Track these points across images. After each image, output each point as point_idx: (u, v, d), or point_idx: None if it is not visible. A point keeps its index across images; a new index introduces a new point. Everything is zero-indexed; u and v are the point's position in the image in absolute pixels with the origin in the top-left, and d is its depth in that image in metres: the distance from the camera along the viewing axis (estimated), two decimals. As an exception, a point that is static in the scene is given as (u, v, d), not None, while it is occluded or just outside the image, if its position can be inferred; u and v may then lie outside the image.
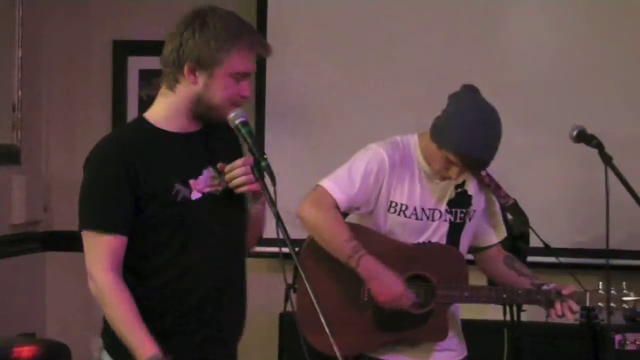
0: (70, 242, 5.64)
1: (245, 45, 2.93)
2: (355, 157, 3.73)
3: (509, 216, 4.01)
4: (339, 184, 3.66)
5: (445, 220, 3.73)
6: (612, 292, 3.72)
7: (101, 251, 2.94)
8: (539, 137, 5.08)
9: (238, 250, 3.11)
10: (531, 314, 4.30)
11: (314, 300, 2.63)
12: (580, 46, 5.11)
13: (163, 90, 3.03)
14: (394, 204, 3.69)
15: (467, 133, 3.54)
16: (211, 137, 3.01)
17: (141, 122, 3.04)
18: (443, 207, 3.73)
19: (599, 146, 3.83)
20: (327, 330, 2.57)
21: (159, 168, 2.93)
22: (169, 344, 2.93)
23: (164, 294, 2.97)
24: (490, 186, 3.82)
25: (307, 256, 3.70)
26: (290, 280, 3.62)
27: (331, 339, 2.59)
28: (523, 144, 5.07)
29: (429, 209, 3.71)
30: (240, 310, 3.15)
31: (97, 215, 2.94)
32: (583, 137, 3.86)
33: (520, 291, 3.73)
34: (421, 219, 3.70)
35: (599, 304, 3.75)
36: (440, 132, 3.62)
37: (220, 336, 3.06)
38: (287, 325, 4.93)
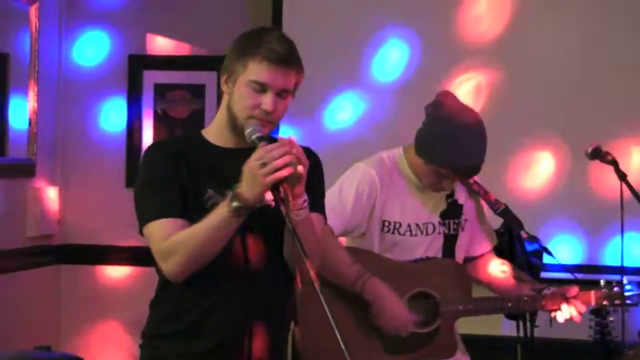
0: (84, 256, 5.67)
1: (260, 54, 2.90)
2: (344, 178, 3.67)
3: (523, 234, 4.00)
4: (331, 209, 3.45)
5: (440, 233, 3.69)
6: (615, 289, 3.70)
7: (161, 233, 2.89)
8: (554, 152, 5.07)
9: (278, 266, 3.01)
10: (544, 330, 4.29)
11: (331, 318, 2.57)
12: (598, 59, 5.09)
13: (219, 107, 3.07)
14: (387, 223, 3.64)
15: (454, 144, 3.50)
16: None
17: (195, 134, 3.10)
18: (436, 219, 3.68)
19: (614, 163, 3.83)
20: (344, 349, 2.53)
21: (197, 172, 2.95)
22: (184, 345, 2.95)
23: (185, 296, 2.97)
24: (480, 193, 3.78)
25: (306, 281, 3.62)
26: None
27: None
28: (536, 158, 5.07)
29: (423, 223, 3.66)
30: (280, 339, 3.09)
31: (153, 205, 2.93)
32: (598, 154, 3.87)
33: (525, 298, 3.69)
34: (415, 235, 3.66)
35: (604, 302, 3.72)
36: (425, 148, 3.58)
37: None
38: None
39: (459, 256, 3.76)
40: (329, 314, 2.58)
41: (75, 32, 5.69)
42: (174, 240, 2.86)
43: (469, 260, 3.87)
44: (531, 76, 5.10)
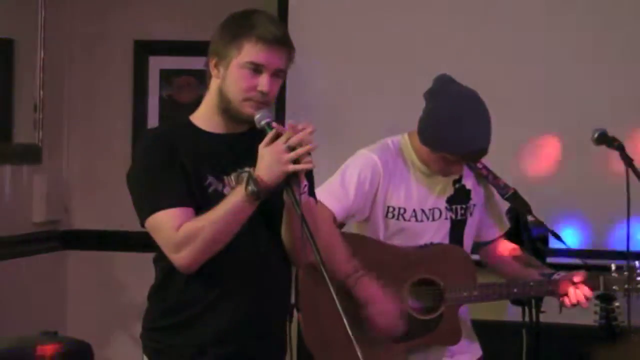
0: (90, 241, 5.69)
1: (255, 35, 2.88)
2: (347, 164, 3.65)
3: (530, 219, 3.99)
4: (334, 195, 3.57)
5: (447, 219, 3.65)
6: (625, 273, 3.69)
7: (172, 223, 2.85)
8: (560, 138, 5.06)
9: (279, 255, 3.01)
10: (550, 315, 4.29)
11: (337, 303, 2.57)
12: (602, 47, 5.08)
13: (205, 94, 3.04)
14: (391, 209, 3.61)
15: (458, 129, 3.47)
16: (254, 141, 2.87)
17: (185, 121, 3.05)
18: (443, 205, 3.65)
19: (620, 148, 3.82)
20: (353, 340, 2.52)
21: (195, 160, 2.92)
22: (187, 334, 2.94)
23: (190, 287, 2.96)
24: (488, 177, 3.75)
25: (310, 271, 3.61)
26: (292, 300, 3.60)
27: (358, 351, 2.53)
28: (543, 144, 5.07)
29: (429, 209, 3.63)
30: (281, 329, 3.10)
31: (159, 195, 2.88)
32: (604, 139, 3.86)
33: (531, 283, 3.66)
34: (421, 221, 3.63)
35: (614, 287, 3.70)
36: (430, 136, 3.55)
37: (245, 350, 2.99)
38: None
39: (468, 242, 3.73)
40: (336, 300, 2.57)
41: (82, 18, 5.69)
42: (189, 229, 2.82)
43: (480, 245, 3.86)
44: (536, 63, 5.10)
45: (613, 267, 3.71)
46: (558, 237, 3.95)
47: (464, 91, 3.56)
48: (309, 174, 2.99)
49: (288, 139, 2.76)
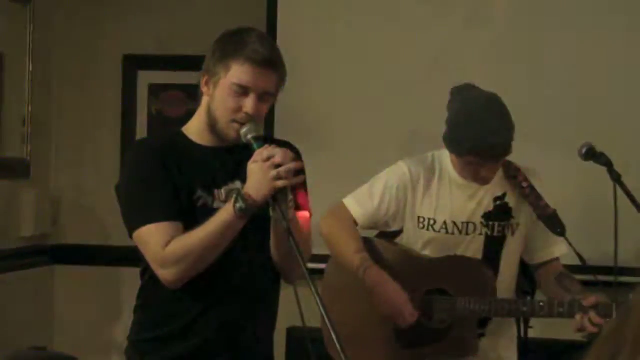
0: (79, 256, 5.67)
1: (244, 56, 2.87)
2: (380, 174, 3.71)
3: None
4: (358, 200, 3.66)
5: (481, 234, 3.63)
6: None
7: (160, 238, 2.85)
8: (548, 153, 5.06)
9: (267, 270, 3.02)
10: (539, 330, 4.29)
11: (325, 317, 2.58)
12: (591, 61, 5.09)
13: (199, 107, 3.04)
14: (421, 219, 3.63)
15: (470, 127, 3.47)
16: (245, 155, 2.87)
17: (177, 132, 3.05)
18: (478, 219, 3.63)
19: (608, 164, 3.82)
20: (337, 346, 2.52)
21: (185, 172, 2.92)
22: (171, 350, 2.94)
23: (177, 300, 2.95)
24: (530, 197, 3.68)
25: (331, 272, 3.69)
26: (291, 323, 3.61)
27: (341, 355, 2.54)
28: (530, 160, 5.06)
29: (462, 223, 3.62)
30: (266, 344, 3.12)
31: (148, 208, 2.88)
32: (592, 154, 3.86)
33: (542, 304, 3.60)
34: (452, 233, 3.62)
35: None
36: (450, 141, 3.56)
37: None
38: (295, 340, 4.93)
39: (508, 260, 3.68)
40: (322, 310, 2.58)
41: (71, 32, 5.68)
42: (179, 247, 2.82)
43: (536, 268, 3.79)
44: (522, 78, 5.11)
45: (631, 296, 3.65)
46: (584, 262, 3.85)
47: (479, 92, 3.58)
48: (303, 187, 3.00)
49: (273, 155, 2.76)
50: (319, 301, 2.58)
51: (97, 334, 5.59)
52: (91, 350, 5.48)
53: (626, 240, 3.80)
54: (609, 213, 3.70)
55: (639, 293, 1.67)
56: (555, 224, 3.74)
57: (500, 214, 3.66)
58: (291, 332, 4.95)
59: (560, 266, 3.81)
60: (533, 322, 3.98)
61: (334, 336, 2.53)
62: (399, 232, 3.76)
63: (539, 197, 3.71)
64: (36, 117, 5.44)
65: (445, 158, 3.68)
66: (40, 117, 5.51)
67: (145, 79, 5.63)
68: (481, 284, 3.65)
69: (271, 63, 2.90)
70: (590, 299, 3.53)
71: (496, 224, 3.65)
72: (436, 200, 3.63)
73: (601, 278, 3.85)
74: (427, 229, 3.63)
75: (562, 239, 3.74)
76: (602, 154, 3.84)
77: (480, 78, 4.81)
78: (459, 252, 3.64)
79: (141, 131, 5.58)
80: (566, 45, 5.11)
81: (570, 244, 3.79)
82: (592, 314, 3.51)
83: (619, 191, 3.75)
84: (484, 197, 3.65)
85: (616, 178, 3.77)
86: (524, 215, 3.70)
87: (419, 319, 3.62)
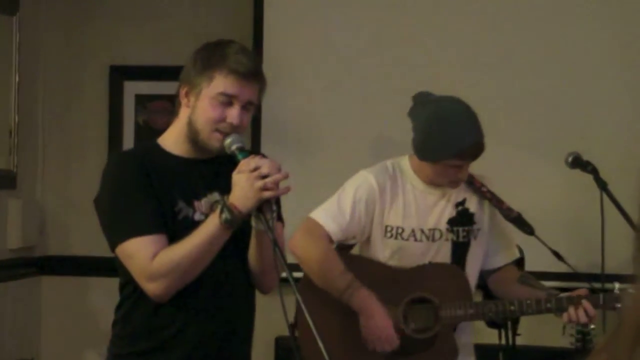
0: (66, 267, 5.66)
1: (227, 66, 2.88)
2: (344, 185, 3.67)
3: None
4: (330, 215, 3.59)
5: (447, 240, 3.64)
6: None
7: (146, 252, 2.84)
8: (535, 161, 5.08)
9: (245, 280, 3.02)
10: (526, 337, 4.30)
11: (314, 331, 2.57)
12: (580, 70, 5.10)
13: (174, 119, 3.03)
14: (389, 228, 3.61)
15: (449, 130, 3.49)
16: (223, 166, 2.88)
17: (153, 144, 3.04)
18: (443, 225, 3.64)
19: (594, 172, 3.84)
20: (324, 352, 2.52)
21: (165, 184, 2.91)
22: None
23: (159, 313, 2.94)
24: (492, 200, 3.73)
25: (306, 287, 3.62)
26: (292, 319, 3.59)
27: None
28: (518, 168, 5.08)
29: (429, 229, 3.63)
30: (246, 353, 3.11)
31: (132, 221, 2.86)
32: (578, 162, 3.88)
33: (528, 302, 3.61)
34: (420, 240, 3.62)
35: (617, 304, 3.65)
36: (425, 148, 3.56)
37: None
38: (283, 350, 4.92)
39: (472, 265, 3.70)
40: (310, 323, 2.57)
41: (57, 42, 5.68)
42: (166, 260, 2.82)
43: (488, 274, 3.81)
44: (516, 76, 5.12)
45: (617, 285, 3.68)
46: (561, 259, 3.90)
47: (443, 97, 3.61)
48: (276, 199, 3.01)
49: (259, 166, 2.75)
50: (304, 309, 2.57)
51: (84, 345, 5.57)
52: (78, 361, 5.47)
53: (613, 248, 3.81)
54: (596, 220, 3.71)
55: (628, 300, 1.67)
56: (523, 225, 3.78)
57: (463, 219, 3.69)
58: (279, 341, 4.95)
59: (515, 269, 3.83)
60: (521, 329, 3.99)
61: (321, 345, 2.52)
62: (353, 245, 3.75)
63: (500, 201, 3.74)
64: (22, 128, 5.43)
65: (404, 165, 3.69)
66: (27, 128, 5.50)
67: (132, 89, 5.62)
68: (462, 289, 3.66)
69: (254, 73, 2.93)
70: (580, 291, 3.60)
71: (460, 229, 3.67)
72: (402, 209, 3.62)
73: (588, 285, 3.85)
74: (396, 238, 3.62)
75: (512, 243, 3.82)
76: (588, 162, 3.86)
77: (464, 83, 4.86)
78: (428, 259, 3.64)
79: (128, 141, 5.58)
80: (551, 50, 5.12)
81: (543, 242, 3.82)
82: (587, 304, 3.55)
83: (606, 199, 3.77)
84: (447, 204, 3.67)
85: (602, 186, 3.79)
86: (483, 221, 3.73)
87: (404, 330, 3.61)
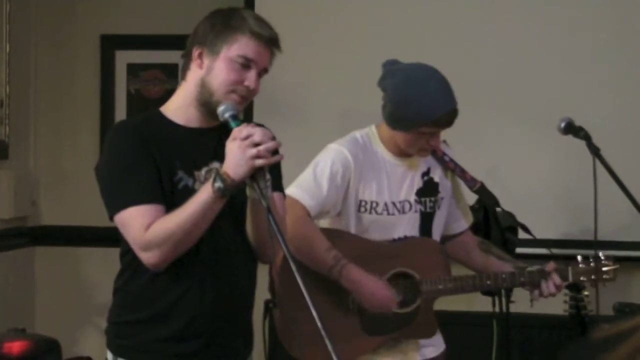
0: (59, 237, 5.66)
1: (248, 30, 2.88)
2: (317, 159, 3.62)
3: (498, 209, 4.00)
4: (306, 190, 3.54)
5: (416, 212, 3.64)
6: (592, 263, 3.70)
7: (141, 221, 2.83)
8: (528, 128, 5.08)
9: (244, 250, 3.00)
10: (520, 305, 4.31)
11: (312, 308, 2.53)
12: (569, 39, 5.10)
13: (180, 84, 3.02)
14: (363, 203, 3.58)
15: (423, 97, 3.46)
16: (225, 135, 2.83)
17: (155, 112, 3.02)
18: (412, 197, 3.63)
19: (587, 137, 3.84)
20: (325, 338, 2.50)
21: (166, 153, 2.90)
22: (151, 333, 2.94)
23: (156, 282, 2.94)
24: (455, 170, 3.74)
25: (286, 269, 3.56)
26: (269, 296, 3.58)
27: (329, 345, 2.50)
28: (511, 135, 5.08)
29: (399, 202, 3.62)
30: (247, 323, 3.10)
31: (129, 191, 2.86)
32: (571, 128, 3.87)
33: (504, 276, 3.67)
34: (393, 214, 3.61)
35: (582, 278, 3.71)
36: (398, 116, 3.53)
37: (214, 342, 2.98)
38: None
39: (436, 235, 3.72)
40: (306, 296, 2.55)
41: (48, 12, 5.65)
42: (159, 230, 2.81)
43: (447, 239, 3.84)
44: (504, 51, 5.12)
45: (579, 258, 3.72)
46: (525, 229, 3.96)
47: (412, 65, 3.58)
48: (277, 169, 2.99)
49: (251, 134, 2.74)
50: (298, 278, 2.56)
51: (78, 315, 5.58)
52: (71, 331, 5.48)
53: (606, 214, 3.81)
54: (589, 187, 3.71)
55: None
56: (487, 196, 3.84)
57: (429, 189, 3.69)
58: (269, 304, 4.94)
59: (473, 235, 3.88)
60: (514, 296, 4.00)
61: (316, 317, 2.51)
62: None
63: (463, 171, 3.76)
64: (14, 99, 5.42)
65: (373, 136, 3.66)
66: (18, 98, 5.48)
67: (123, 58, 5.61)
68: (440, 263, 3.67)
69: (274, 41, 2.95)
70: (550, 265, 3.68)
71: (427, 199, 3.67)
72: (376, 183, 3.60)
73: (581, 252, 3.86)
74: (370, 212, 3.59)
75: (468, 208, 3.86)
76: (580, 128, 3.86)
77: (456, 57, 4.86)
78: (399, 232, 3.63)
79: (120, 111, 5.57)
80: (542, 18, 5.12)
81: (508, 213, 3.96)
82: (555, 276, 3.66)
83: (599, 165, 3.77)
84: (415, 175, 3.67)
85: (595, 152, 3.79)
86: (446, 190, 3.74)
87: None
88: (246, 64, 2.89)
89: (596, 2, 5.10)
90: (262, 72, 2.94)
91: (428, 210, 3.68)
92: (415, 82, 3.50)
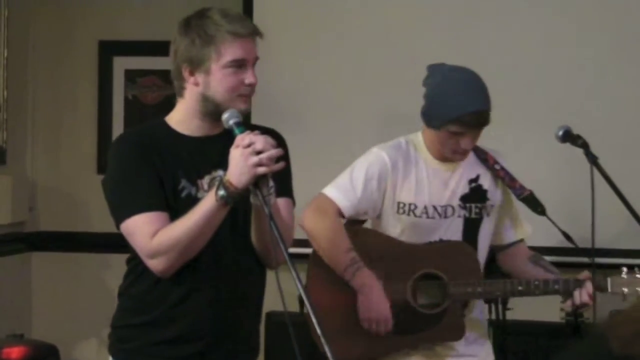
0: (56, 243, 5.65)
1: (228, 33, 2.90)
2: (357, 161, 3.69)
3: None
4: (341, 191, 3.62)
5: (460, 216, 3.65)
6: (638, 275, 3.65)
7: (147, 229, 2.87)
8: (525, 137, 5.08)
9: (246, 256, 3.02)
10: (517, 312, 4.31)
11: (310, 310, 2.55)
12: (570, 45, 5.11)
13: (178, 99, 3.03)
14: (401, 205, 3.63)
15: (452, 95, 3.52)
16: (229, 143, 2.84)
17: (160, 123, 3.05)
18: (456, 202, 3.65)
19: (585, 146, 3.84)
20: (321, 336, 2.50)
21: (169, 163, 2.93)
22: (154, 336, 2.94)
23: (159, 286, 2.95)
24: (505, 179, 3.73)
25: (314, 263, 3.65)
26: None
27: (325, 347, 2.51)
28: (508, 143, 5.08)
29: (441, 206, 3.64)
30: (251, 328, 3.12)
31: (134, 199, 2.90)
32: (568, 136, 3.87)
33: (537, 282, 3.63)
34: (433, 217, 3.63)
35: (623, 289, 3.65)
36: (430, 114, 3.59)
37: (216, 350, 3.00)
38: (274, 325, 4.93)
39: (483, 242, 3.71)
40: (307, 303, 2.56)
41: (46, 17, 5.66)
42: (166, 238, 2.85)
43: (499, 249, 3.83)
44: (509, 57, 5.13)
45: (624, 269, 3.70)
46: (568, 237, 3.91)
47: (454, 67, 3.63)
48: (286, 175, 3.00)
49: (254, 142, 2.75)
50: (300, 286, 2.57)
51: (75, 321, 5.58)
52: (69, 337, 5.47)
53: (603, 222, 3.81)
54: (587, 195, 3.71)
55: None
56: (535, 204, 3.79)
57: (476, 195, 3.69)
58: (271, 316, 4.95)
59: (526, 247, 3.85)
60: (511, 303, 4.00)
61: (313, 320, 2.52)
62: (364, 220, 3.77)
63: (512, 179, 3.75)
64: (12, 104, 5.42)
65: (418, 142, 3.70)
66: (16, 103, 5.48)
67: (121, 64, 5.62)
68: (471, 267, 3.67)
69: (252, 30, 2.96)
70: (584, 274, 3.63)
71: (473, 205, 3.68)
72: (415, 185, 3.64)
73: (579, 259, 3.86)
74: (408, 214, 3.63)
75: (522, 220, 3.82)
76: (578, 136, 3.86)
77: (456, 59, 4.85)
78: (439, 235, 3.65)
79: (117, 117, 5.57)
80: (543, 24, 5.13)
81: (553, 223, 3.82)
82: (589, 285, 3.59)
83: (596, 174, 3.77)
84: (460, 180, 3.68)
85: (593, 160, 3.79)
86: (496, 197, 3.74)
87: (412, 305, 3.62)
88: (239, 65, 2.92)
89: (598, 10, 5.10)
90: (255, 61, 2.97)
91: (473, 216, 3.69)
92: (448, 82, 3.56)
